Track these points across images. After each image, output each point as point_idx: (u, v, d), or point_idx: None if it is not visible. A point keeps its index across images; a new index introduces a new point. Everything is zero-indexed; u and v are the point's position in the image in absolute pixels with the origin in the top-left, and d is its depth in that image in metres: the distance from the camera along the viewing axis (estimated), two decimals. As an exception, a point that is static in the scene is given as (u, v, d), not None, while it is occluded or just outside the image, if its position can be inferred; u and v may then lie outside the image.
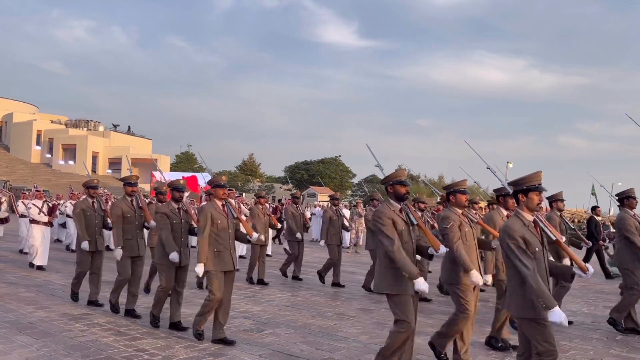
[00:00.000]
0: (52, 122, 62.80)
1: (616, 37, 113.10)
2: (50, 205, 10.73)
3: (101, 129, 63.27)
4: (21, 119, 59.98)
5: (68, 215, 13.22)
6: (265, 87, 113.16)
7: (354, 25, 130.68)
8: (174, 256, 5.69)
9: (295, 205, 9.91)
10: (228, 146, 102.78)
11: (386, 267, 4.09)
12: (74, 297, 7.18)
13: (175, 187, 5.98)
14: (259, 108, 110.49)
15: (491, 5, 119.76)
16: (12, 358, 4.68)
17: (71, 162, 57.39)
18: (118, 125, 64.20)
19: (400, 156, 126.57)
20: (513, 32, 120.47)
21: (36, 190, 10.80)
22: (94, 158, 58.57)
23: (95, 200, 7.10)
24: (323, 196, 42.96)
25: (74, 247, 12.70)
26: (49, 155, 58.74)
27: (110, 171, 58.79)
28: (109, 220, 6.94)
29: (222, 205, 5.44)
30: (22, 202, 12.29)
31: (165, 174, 53.65)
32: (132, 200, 6.43)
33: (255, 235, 5.65)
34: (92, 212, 6.98)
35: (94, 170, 57.31)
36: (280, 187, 59.57)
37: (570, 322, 6.74)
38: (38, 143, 59.49)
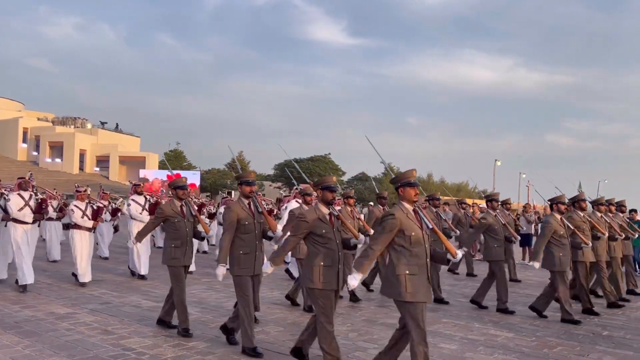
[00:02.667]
0: (38, 119, 62.16)
1: (602, 37, 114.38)
2: (95, 207, 9.18)
3: (89, 126, 62.72)
4: (7, 116, 59.29)
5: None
6: (255, 85, 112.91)
7: (343, 24, 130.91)
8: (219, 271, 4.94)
9: (349, 208, 7.74)
10: (217, 144, 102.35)
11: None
12: (162, 323, 5.85)
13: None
14: (249, 106, 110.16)
15: (479, 4, 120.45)
16: (-4, 358, 4.62)
17: (58, 160, 56.85)
18: (106, 123, 63.73)
19: (390, 154, 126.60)
20: (500, 31, 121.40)
21: (76, 191, 9.17)
22: (82, 156, 58.09)
23: (183, 203, 5.82)
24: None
25: (105, 253, 12.13)
26: (35, 153, 58.15)
27: (97, 169, 58.35)
28: (200, 229, 5.97)
29: (249, 203, 5.10)
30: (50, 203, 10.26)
31: (153, 172, 53.34)
32: (249, 204, 5.08)
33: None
34: (180, 217, 5.68)
35: (81, 168, 56.82)
36: (270, 185, 59.46)
37: (544, 316, 6.97)
38: (24, 141, 58.87)
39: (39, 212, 8.11)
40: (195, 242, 11.94)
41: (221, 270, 4.89)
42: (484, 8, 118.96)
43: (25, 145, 58.76)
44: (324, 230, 4.33)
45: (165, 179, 50.10)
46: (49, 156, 57.48)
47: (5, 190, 10.17)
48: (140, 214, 9.48)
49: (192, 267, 10.06)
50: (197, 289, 8.36)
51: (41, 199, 8.45)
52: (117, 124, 64.83)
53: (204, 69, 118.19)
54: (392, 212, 3.92)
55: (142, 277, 9.19)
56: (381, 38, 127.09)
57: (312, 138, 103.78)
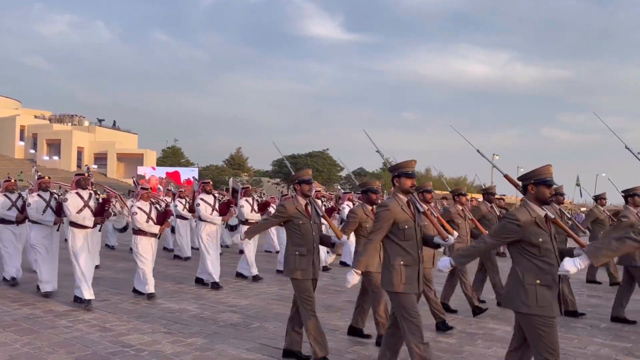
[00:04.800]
0: (35, 117, 61.97)
1: (597, 31, 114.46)
2: (161, 208, 7.74)
3: (86, 124, 62.55)
4: (4, 114, 59.09)
5: (180, 217, 11.25)
6: (251, 82, 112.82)
7: (338, 19, 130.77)
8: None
9: (426, 205, 7.18)
10: (215, 141, 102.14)
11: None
12: (291, 356, 4.71)
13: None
14: (245, 102, 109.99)
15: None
16: (-5, 356, 4.62)
17: (56, 158, 56.74)
18: (103, 120, 63.55)
19: (387, 149, 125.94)
20: (496, 26, 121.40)
21: (142, 188, 7.63)
22: (79, 153, 57.95)
23: (309, 202, 4.73)
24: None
25: (185, 252, 11.51)
26: (32, 151, 58.00)
27: (95, 166, 58.17)
28: (334, 237, 4.84)
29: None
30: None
31: (147, 169, 53.26)
32: (408, 202, 3.99)
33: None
34: (306, 219, 4.65)
35: (78, 166, 56.68)
36: (268, 182, 59.44)
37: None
38: (22, 138, 58.70)
39: (101, 214, 6.83)
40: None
41: (354, 278, 3.97)
42: (479, 3, 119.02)
43: (22, 143, 58.58)
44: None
45: (164, 176, 50.11)
46: (46, 154, 57.34)
47: (57, 189, 9.28)
48: (211, 214, 8.42)
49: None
50: (196, 286, 8.36)
51: (103, 198, 7.19)
52: (114, 121, 64.67)
53: (200, 65, 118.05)
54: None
55: (216, 285, 8.07)
56: (377, 33, 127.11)
57: (310, 134, 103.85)
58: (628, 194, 6.61)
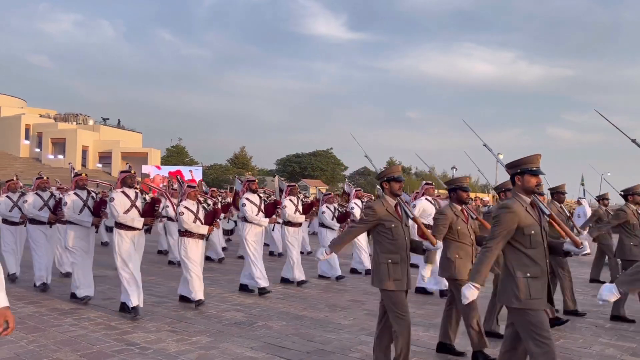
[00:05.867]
0: (40, 116, 62.17)
1: (602, 29, 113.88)
2: (210, 207, 7.31)
3: (91, 122, 62.73)
4: (9, 113, 59.32)
5: (169, 219, 10.38)
6: (255, 80, 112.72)
7: (342, 18, 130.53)
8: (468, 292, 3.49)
9: (559, 205, 7.05)
10: (219, 139, 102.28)
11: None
12: None
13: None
14: (249, 101, 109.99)
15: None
16: (1, 353, 4.64)
17: (60, 157, 56.89)
18: (108, 119, 63.69)
19: (391, 148, 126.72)
20: (500, 25, 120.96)
21: (188, 186, 6.98)
22: (84, 152, 58.13)
23: (398, 202, 4.20)
24: (314, 189, 42.91)
25: (176, 257, 9.89)
26: (38, 150, 58.19)
27: (100, 165, 58.39)
28: (426, 243, 4.33)
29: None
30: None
31: (151, 168, 53.38)
32: (532, 204, 3.46)
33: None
34: (397, 221, 4.10)
35: (83, 165, 56.89)
36: (272, 181, 59.43)
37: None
38: (27, 137, 58.89)
39: (151, 214, 6.36)
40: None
41: (473, 292, 3.47)
42: (483, 1, 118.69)
43: (27, 142, 58.78)
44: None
45: (167, 175, 50.18)
46: (51, 153, 57.52)
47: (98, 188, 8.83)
48: (257, 215, 7.83)
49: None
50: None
51: (152, 197, 6.77)
52: (119, 120, 64.80)
53: (204, 64, 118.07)
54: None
55: (265, 291, 7.55)
56: (380, 32, 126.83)
57: (313, 133, 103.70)
58: (628, 193, 6.61)
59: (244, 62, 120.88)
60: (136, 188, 6.43)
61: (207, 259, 10.88)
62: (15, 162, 53.48)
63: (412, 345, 5.14)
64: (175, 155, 61.31)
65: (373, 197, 12.83)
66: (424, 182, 8.97)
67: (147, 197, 6.65)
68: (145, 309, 6.43)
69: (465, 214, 4.86)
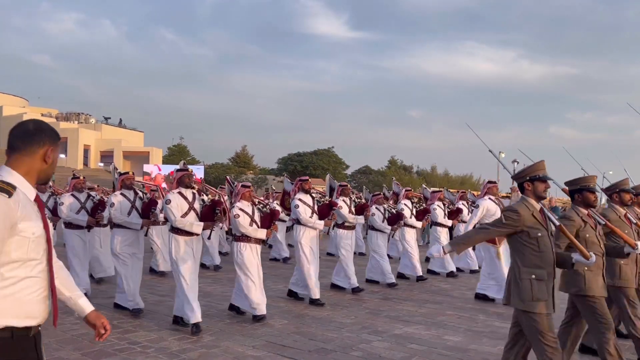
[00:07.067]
0: (42, 115, 62.15)
1: (604, 28, 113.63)
2: (263, 208, 6.76)
3: (92, 122, 62.83)
4: (11, 112, 59.38)
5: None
6: (257, 79, 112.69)
7: (344, 17, 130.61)
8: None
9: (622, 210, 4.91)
10: (221, 138, 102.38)
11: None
12: None
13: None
14: (251, 100, 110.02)
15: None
16: (3, 352, 4.65)
17: (62, 156, 56.94)
18: (109, 118, 63.80)
19: (393, 147, 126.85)
20: (502, 23, 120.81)
21: (243, 186, 6.27)
22: (86, 151, 58.24)
23: (542, 207, 3.55)
24: (316, 187, 42.83)
25: (158, 264, 9.11)
26: (39, 149, 58.30)
27: (102, 164, 58.44)
28: (576, 255, 3.52)
29: (540, 210, 3.48)
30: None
31: (153, 167, 53.45)
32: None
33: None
34: (544, 230, 3.45)
35: (85, 164, 57.00)
36: (274, 179, 59.45)
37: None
38: (28, 136, 58.94)
39: (211, 218, 5.69)
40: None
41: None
42: (485, 0, 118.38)
43: (29, 141, 58.90)
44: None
45: (167, 174, 50.20)
46: (53, 152, 57.67)
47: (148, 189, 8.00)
48: (311, 217, 7.12)
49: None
50: (202, 283, 8.37)
51: (213, 200, 6.22)
52: (120, 119, 64.89)
53: (206, 63, 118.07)
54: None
55: (317, 302, 6.95)
56: (382, 31, 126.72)
57: (315, 131, 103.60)
58: (613, 191, 4.97)
59: (246, 61, 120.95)
60: (194, 189, 5.80)
61: (202, 266, 9.47)
62: (17, 161, 53.50)
63: (413, 343, 5.16)
64: (177, 154, 61.31)
65: (422, 197, 11.83)
66: (487, 180, 8.32)
67: (206, 199, 5.94)
68: (147, 308, 6.42)
69: (592, 219, 4.15)
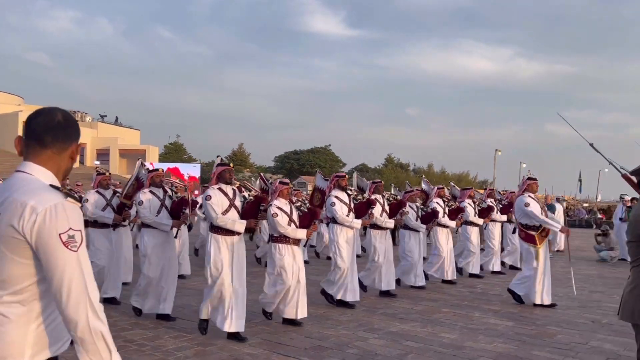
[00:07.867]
0: (38, 113, 62.10)
1: (601, 26, 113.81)
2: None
3: (88, 119, 62.60)
4: (6, 110, 59.20)
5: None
6: (254, 77, 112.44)
7: (341, 15, 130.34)
8: None
9: None
10: (217, 136, 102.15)
11: None
12: None
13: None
14: (248, 98, 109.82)
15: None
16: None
17: (58, 154, 56.90)
18: (105, 116, 63.60)
19: (390, 145, 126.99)
20: (499, 21, 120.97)
21: (280, 183, 5.96)
22: (82, 149, 57.98)
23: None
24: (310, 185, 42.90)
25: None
26: (35, 147, 58.19)
27: (98, 162, 58.29)
28: None
29: None
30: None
31: (147, 165, 53.42)
32: None
33: None
34: None
35: (81, 162, 56.86)
36: (271, 177, 59.48)
37: (554, 305, 6.82)
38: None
39: (254, 215, 5.33)
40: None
41: None
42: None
43: (25, 140, 58.80)
44: None
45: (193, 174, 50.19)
46: (49, 150, 57.57)
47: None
48: (348, 215, 6.71)
49: (187, 271, 8.72)
50: (197, 281, 8.37)
51: (256, 196, 5.88)
52: (116, 117, 64.64)
53: (203, 61, 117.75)
54: None
55: (388, 293, 7.08)
56: (380, 29, 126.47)
57: (312, 130, 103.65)
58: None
59: (243, 59, 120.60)
60: (234, 185, 5.42)
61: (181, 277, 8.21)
62: (13, 159, 53.40)
63: (409, 341, 5.17)
64: (173, 152, 61.31)
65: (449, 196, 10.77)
66: (527, 176, 7.78)
67: (247, 195, 5.54)
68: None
69: None
